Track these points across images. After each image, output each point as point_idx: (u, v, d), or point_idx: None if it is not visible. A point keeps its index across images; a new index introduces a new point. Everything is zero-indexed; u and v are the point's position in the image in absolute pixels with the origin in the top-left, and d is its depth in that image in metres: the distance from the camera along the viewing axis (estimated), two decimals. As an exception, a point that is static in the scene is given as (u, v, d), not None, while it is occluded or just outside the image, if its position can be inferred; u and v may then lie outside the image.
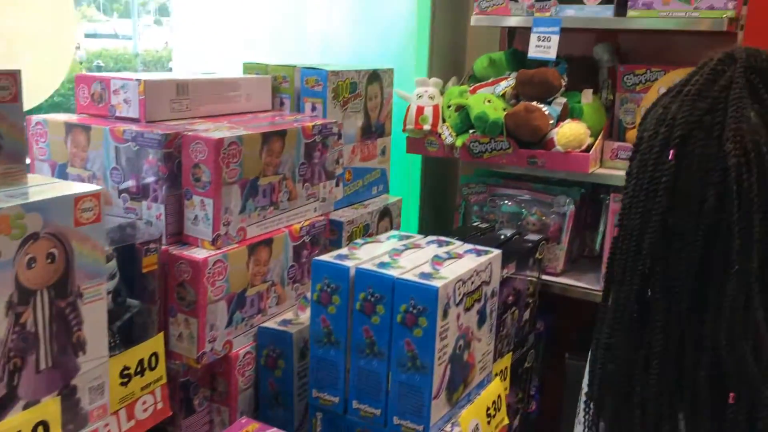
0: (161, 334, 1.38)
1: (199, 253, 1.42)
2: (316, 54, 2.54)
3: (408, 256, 1.54)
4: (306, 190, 1.73)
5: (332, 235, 1.87)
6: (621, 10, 2.07)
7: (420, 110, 2.27)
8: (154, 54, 7.94)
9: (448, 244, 1.69)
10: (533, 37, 2.14)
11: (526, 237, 2.21)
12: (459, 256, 1.58)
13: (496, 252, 1.65)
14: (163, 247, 1.43)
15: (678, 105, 0.99)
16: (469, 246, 1.67)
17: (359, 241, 1.64)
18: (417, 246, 1.64)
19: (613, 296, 1.05)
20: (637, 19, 2.01)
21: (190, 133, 1.44)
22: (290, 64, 1.94)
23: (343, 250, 1.55)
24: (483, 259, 1.59)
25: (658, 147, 0.99)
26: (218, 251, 1.44)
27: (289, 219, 1.67)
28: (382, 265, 1.46)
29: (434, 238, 1.74)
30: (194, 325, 1.43)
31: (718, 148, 0.93)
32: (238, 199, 1.49)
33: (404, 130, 2.30)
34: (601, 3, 2.05)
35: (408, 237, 1.73)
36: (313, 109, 1.88)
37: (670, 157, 0.96)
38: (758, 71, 0.97)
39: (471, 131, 2.23)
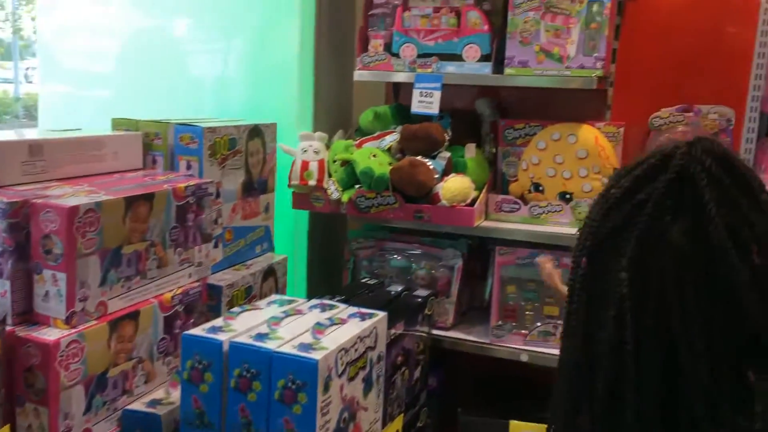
0: (6, 427, 1.22)
1: (49, 334, 1.27)
2: (210, 105, 2.43)
3: (288, 325, 1.46)
4: (179, 255, 1.61)
5: (211, 300, 1.76)
6: (498, 68, 2.12)
7: (305, 165, 2.21)
8: (36, 98, 7.49)
9: (331, 308, 1.62)
10: (416, 93, 2.14)
11: (415, 293, 2.18)
12: (342, 322, 1.52)
13: (381, 315, 1.60)
14: (8, 328, 1.27)
15: (597, 209, 0.92)
16: (353, 309, 1.61)
17: (236, 309, 1.54)
18: (298, 312, 1.56)
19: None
20: (513, 76, 2.07)
21: (39, 201, 1.30)
22: (163, 119, 1.84)
23: (218, 321, 1.44)
24: (367, 323, 1.53)
25: (576, 252, 0.91)
26: (73, 330, 1.30)
27: (159, 288, 1.54)
28: (260, 336, 1.37)
29: (317, 301, 1.67)
30: (45, 415, 1.27)
31: (616, 273, 0.84)
32: (96, 271, 1.36)
33: (289, 186, 2.24)
34: (479, 60, 2.09)
35: (290, 302, 1.65)
36: (188, 167, 1.78)
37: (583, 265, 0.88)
38: (705, 171, 0.84)
39: (357, 186, 2.20)
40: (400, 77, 2.22)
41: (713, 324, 0.81)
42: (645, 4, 2.30)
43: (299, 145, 2.24)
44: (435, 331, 2.23)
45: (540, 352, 2.15)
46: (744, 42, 2.15)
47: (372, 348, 1.54)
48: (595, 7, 1.95)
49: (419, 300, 2.10)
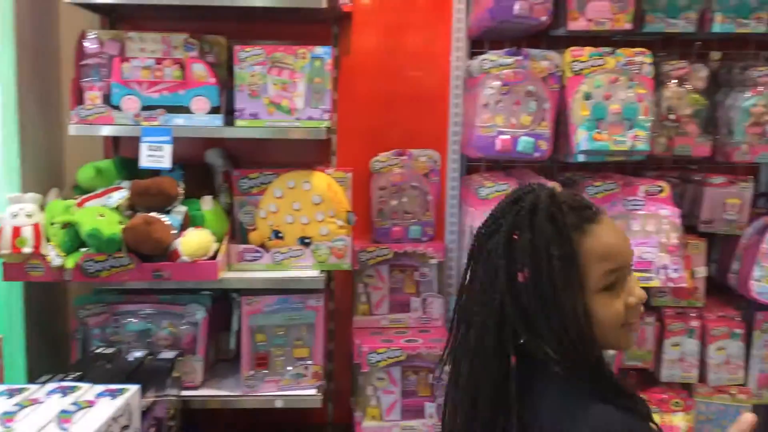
0: None
1: None
2: None
3: (26, 419, 1.28)
4: None
5: None
6: (230, 120, 2.13)
7: (17, 231, 1.95)
8: None
9: (73, 390, 1.46)
10: (143, 147, 2.04)
11: (160, 356, 2.06)
12: (90, 404, 1.37)
13: (134, 389, 1.49)
14: None
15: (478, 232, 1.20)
16: (100, 388, 1.47)
17: (-48, 412, 1.30)
18: (35, 401, 1.38)
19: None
20: (245, 128, 2.09)
21: None
22: None
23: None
24: (119, 401, 1.40)
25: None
26: None
27: None
28: (-9, 441, 1.18)
29: (55, 385, 1.49)
30: None
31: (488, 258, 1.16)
32: None
33: (-1, 256, 1.96)
34: (209, 113, 2.08)
35: (20, 391, 1.44)
36: None
37: None
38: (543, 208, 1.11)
39: (83, 249, 2.01)
40: (124, 130, 2.10)
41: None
42: (356, 58, 2.52)
43: (7, 210, 1.98)
44: (184, 392, 2.13)
45: (294, 395, 2.18)
46: (442, 90, 2.48)
47: (126, 427, 1.42)
48: (317, 63, 2.08)
49: (165, 363, 1.99)
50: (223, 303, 2.37)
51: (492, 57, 2.12)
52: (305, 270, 2.19)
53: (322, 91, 2.09)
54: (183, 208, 2.10)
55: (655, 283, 2.14)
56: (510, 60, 2.10)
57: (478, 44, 2.43)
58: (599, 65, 2.08)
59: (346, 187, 2.32)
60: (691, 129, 2.22)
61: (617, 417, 1.07)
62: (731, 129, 2.25)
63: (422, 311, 2.50)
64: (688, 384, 2.42)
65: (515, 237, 1.12)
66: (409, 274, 2.51)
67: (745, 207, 2.32)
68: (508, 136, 2.09)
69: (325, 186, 2.20)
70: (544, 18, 2.00)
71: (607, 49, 2.09)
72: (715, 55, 2.36)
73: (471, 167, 2.51)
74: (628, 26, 2.08)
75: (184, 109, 2.09)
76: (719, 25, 2.12)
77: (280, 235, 2.21)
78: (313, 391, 2.21)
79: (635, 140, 2.05)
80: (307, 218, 2.19)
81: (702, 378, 2.39)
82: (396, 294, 2.51)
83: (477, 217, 2.16)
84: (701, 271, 2.35)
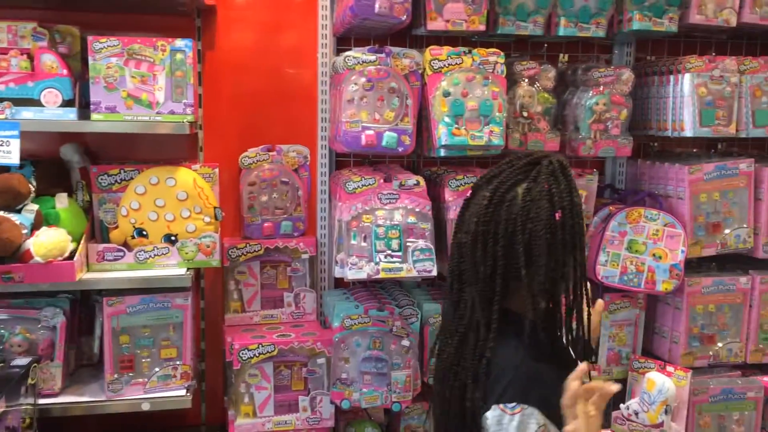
0: None
1: None
2: None
3: None
4: None
5: None
6: (85, 113, 2.04)
7: None
8: None
9: None
10: (-11, 142, 1.92)
11: (13, 363, 1.95)
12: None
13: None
14: None
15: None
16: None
17: None
18: None
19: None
20: (101, 122, 2.01)
21: None
22: None
23: None
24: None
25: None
26: None
27: None
28: None
29: None
30: None
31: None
32: None
33: None
34: (61, 105, 1.98)
35: None
36: None
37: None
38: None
39: None
40: (-34, 124, 1.96)
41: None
42: (222, 53, 2.49)
43: None
44: (42, 401, 2.03)
45: (162, 398, 2.13)
46: (310, 86, 2.50)
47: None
48: (178, 56, 2.04)
49: (19, 370, 1.89)
50: (84, 306, 2.28)
51: (356, 54, 2.17)
52: (171, 268, 2.14)
53: (184, 85, 2.05)
54: (34, 207, 2.00)
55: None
56: (373, 57, 2.16)
57: (345, 41, 2.48)
58: (457, 64, 2.18)
59: (213, 182, 2.29)
60: (543, 125, 2.38)
61: (535, 367, 1.37)
62: (577, 125, 2.43)
63: (295, 306, 2.51)
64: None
65: (546, 186, 1.40)
66: (281, 270, 2.51)
67: (591, 198, 2.52)
68: (372, 132, 2.15)
69: (191, 182, 2.16)
70: (404, 17, 2.07)
71: (464, 49, 2.19)
72: (563, 57, 2.54)
73: (340, 162, 2.56)
74: (482, 28, 2.19)
75: (34, 102, 1.98)
76: (563, 29, 2.28)
77: (143, 232, 2.15)
78: (182, 392, 2.16)
79: (491, 135, 2.17)
80: (172, 215, 2.14)
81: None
82: (268, 290, 2.51)
83: (345, 210, 2.20)
84: (555, 258, 2.52)
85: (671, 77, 2.43)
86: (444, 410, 1.50)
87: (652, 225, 2.43)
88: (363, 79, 2.14)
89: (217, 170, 2.29)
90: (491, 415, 1.36)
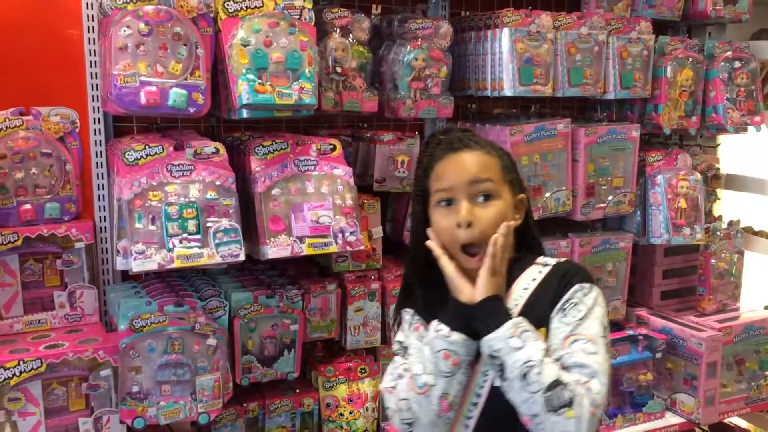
0: None
1: None
2: None
3: None
4: None
5: None
6: None
7: None
8: None
9: None
10: None
11: None
12: None
13: None
14: None
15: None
16: None
17: None
18: None
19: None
20: None
21: None
22: None
23: None
24: None
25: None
26: None
27: None
28: None
29: None
30: None
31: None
32: None
33: None
34: None
35: None
36: None
37: None
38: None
39: None
40: None
41: None
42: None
43: None
44: None
45: None
46: (75, 40, 2.02)
47: None
48: None
49: None
50: None
51: (128, -10, 1.73)
52: None
53: None
54: None
55: (332, 248, 1.99)
56: (150, -6, 1.75)
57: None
58: (257, 7, 1.84)
59: (-59, 156, 1.75)
60: (359, 83, 2.12)
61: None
62: (396, 83, 2.20)
63: (70, 308, 2.04)
64: (373, 348, 2.37)
65: None
66: (48, 264, 2.02)
67: (413, 163, 2.31)
68: (154, 88, 1.74)
69: None
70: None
71: (265, -10, 1.85)
72: (376, 8, 2.29)
73: (120, 129, 2.11)
74: (286, -34, 1.87)
75: None
76: (375, -27, 2.03)
77: None
78: None
79: (301, 93, 1.86)
80: None
81: (384, 340, 2.36)
82: (32, 289, 2.01)
83: (125, 187, 1.78)
84: (378, 232, 2.29)
85: (489, 32, 2.29)
86: None
87: (476, 190, 2.28)
88: (138, 22, 1.72)
89: (-56, 140, 1.75)
90: None
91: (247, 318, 2.05)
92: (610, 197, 2.47)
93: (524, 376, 1.24)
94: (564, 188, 2.41)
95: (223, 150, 1.91)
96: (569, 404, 1.21)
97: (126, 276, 2.13)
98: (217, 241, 1.83)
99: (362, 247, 2.05)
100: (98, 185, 2.07)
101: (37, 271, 2.02)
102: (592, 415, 1.23)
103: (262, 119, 2.25)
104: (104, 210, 2.08)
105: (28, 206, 1.97)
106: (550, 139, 2.37)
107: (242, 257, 1.85)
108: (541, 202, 2.38)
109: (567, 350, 1.28)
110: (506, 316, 1.31)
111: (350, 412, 2.26)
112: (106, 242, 2.09)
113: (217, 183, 1.87)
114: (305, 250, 1.95)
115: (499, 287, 1.35)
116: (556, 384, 1.22)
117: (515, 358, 1.25)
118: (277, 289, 2.11)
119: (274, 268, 2.30)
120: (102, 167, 2.07)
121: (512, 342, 1.27)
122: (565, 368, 1.26)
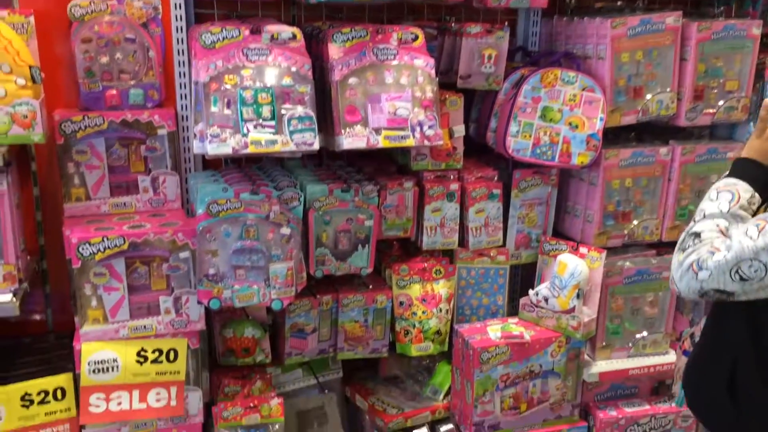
0: None
1: None
2: None
3: None
4: None
5: None
6: None
7: None
8: None
9: None
10: None
11: None
12: None
13: None
14: None
15: None
16: None
17: None
18: None
19: None
20: None
21: None
22: None
23: None
24: None
25: None
26: None
27: None
28: None
29: None
30: None
31: None
32: None
33: None
34: None
35: None
36: None
37: None
38: None
39: None
40: None
41: None
42: None
43: None
44: None
45: (-24, 305, 1.71)
46: None
47: None
48: None
49: None
50: None
51: None
52: None
53: None
54: None
55: (409, 142, 1.92)
56: None
57: None
58: None
59: (29, 36, 1.79)
60: (445, -33, 1.98)
61: None
62: (486, -33, 2.04)
63: (153, 192, 2.09)
64: (450, 250, 2.31)
65: None
66: (133, 149, 2.07)
67: (501, 59, 2.17)
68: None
69: (-10, 30, 1.65)
70: None
71: None
72: None
73: (202, 16, 2.08)
74: None
75: None
76: None
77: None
78: (6, 297, 1.76)
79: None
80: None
81: (462, 242, 2.30)
82: (118, 174, 2.06)
83: (202, 69, 1.77)
84: (459, 130, 2.19)
85: None
86: None
87: (568, 89, 2.12)
88: None
89: (32, 19, 1.79)
90: None
91: (321, 210, 2.04)
92: (721, 102, 2.23)
93: None
94: (668, 90, 2.19)
95: (300, 35, 1.85)
96: None
97: (208, 164, 2.16)
98: (291, 128, 1.79)
99: (440, 142, 1.97)
100: (180, 73, 2.07)
101: (123, 156, 2.07)
102: None
103: (345, 6, 2.17)
104: (186, 98, 2.09)
105: (113, 91, 2.01)
106: (656, 34, 2.14)
107: (317, 146, 1.82)
108: (641, 104, 2.18)
109: None
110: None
111: (423, 312, 2.23)
112: (187, 130, 2.10)
113: (293, 69, 1.82)
114: (381, 142, 1.89)
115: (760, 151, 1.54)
116: None
117: None
118: (353, 184, 2.08)
119: (352, 165, 2.27)
120: (183, 54, 2.06)
121: None
122: None
